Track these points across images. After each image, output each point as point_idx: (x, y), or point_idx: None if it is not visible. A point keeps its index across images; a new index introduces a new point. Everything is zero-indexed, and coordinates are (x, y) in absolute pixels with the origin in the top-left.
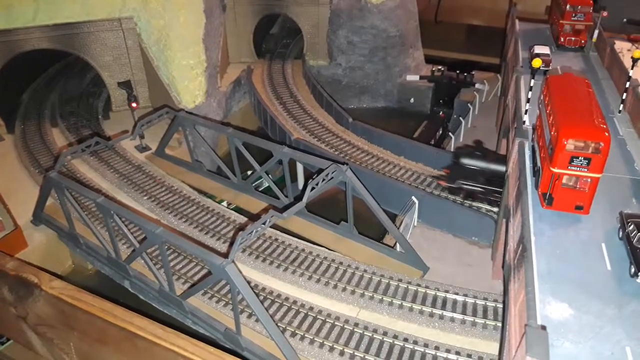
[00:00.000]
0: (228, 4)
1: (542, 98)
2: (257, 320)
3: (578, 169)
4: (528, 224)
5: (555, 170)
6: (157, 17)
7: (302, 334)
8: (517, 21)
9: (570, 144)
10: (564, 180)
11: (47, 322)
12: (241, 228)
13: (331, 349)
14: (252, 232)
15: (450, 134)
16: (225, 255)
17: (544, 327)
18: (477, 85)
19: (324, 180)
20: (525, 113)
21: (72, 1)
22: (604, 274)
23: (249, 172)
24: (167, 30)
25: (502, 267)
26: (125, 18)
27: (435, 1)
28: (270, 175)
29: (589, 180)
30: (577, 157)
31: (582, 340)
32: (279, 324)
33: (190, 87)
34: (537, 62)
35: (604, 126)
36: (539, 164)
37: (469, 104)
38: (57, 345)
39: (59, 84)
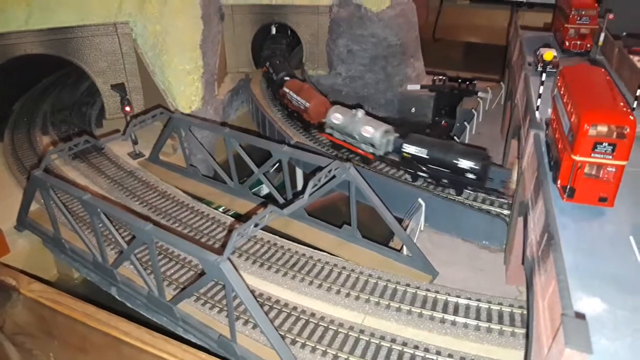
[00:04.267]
0: (226, 12)
1: (556, 91)
2: (254, 327)
3: (602, 156)
4: (552, 211)
5: (577, 158)
6: (153, 22)
7: (303, 341)
8: (519, 28)
9: (592, 129)
10: (586, 170)
11: (26, 330)
12: None
13: (335, 357)
14: (250, 226)
15: (455, 137)
16: (220, 253)
17: (582, 315)
18: (480, 94)
19: (326, 177)
20: (537, 109)
21: (66, 5)
22: (635, 267)
23: (245, 179)
24: (163, 36)
25: (522, 263)
26: (120, 23)
27: (433, 18)
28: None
29: (613, 169)
30: (601, 143)
31: (619, 336)
32: (278, 331)
33: (186, 93)
34: (549, 55)
35: (628, 110)
36: (556, 156)
37: (473, 110)
38: (36, 357)
39: (52, 94)
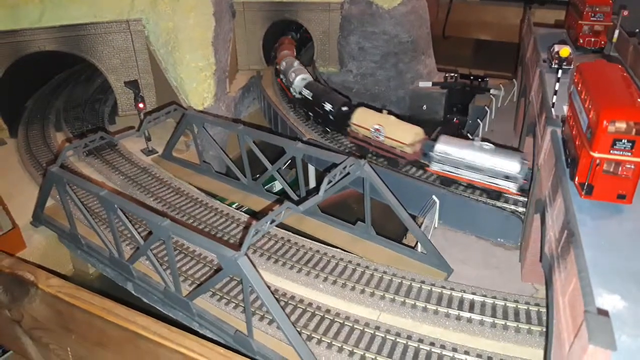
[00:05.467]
0: (237, 10)
1: (572, 88)
2: (270, 323)
3: (621, 152)
4: (572, 208)
5: (596, 154)
6: (165, 19)
7: (319, 337)
8: (533, 25)
9: (612, 126)
10: (604, 167)
11: (44, 325)
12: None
13: (351, 353)
14: (266, 222)
15: (468, 134)
16: (237, 248)
17: (605, 312)
18: (492, 91)
19: (341, 173)
20: (552, 106)
21: (79, 2)
22: None
23: (257, 176)
24: (175, 32)
25: (540, 260)
26: (133, 20)
27: (443, 16)
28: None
29: (632, 166)
30: (620, 140)
31: None
32: (295, 327)
33: (198, 90)
34: (565, 52)
35: None
36: (573, 153)
37: (485, 107)
38: (53, 352)
39: (65, 91)
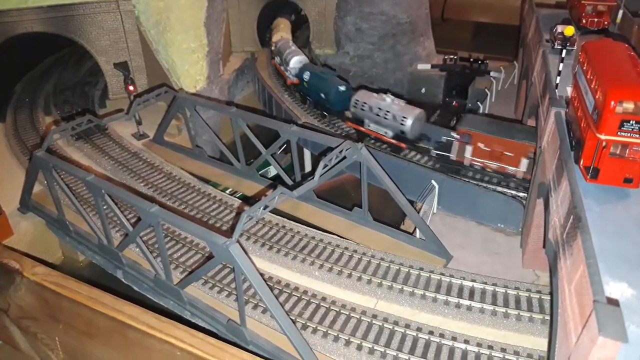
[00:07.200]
0: None
1: (578, 68)
2: (264, 312)
3: (629, 134)
4: (578, 192)
5: (603, 136)
6: None
7: (314, 326)
8: (534, 5)
9: (619, 106)
10: (611, 149)
11: (30, 314)
12: None
13: (347, 342)
14: (259, 208)
15: None
16: (229, 235)
17: (615, 301)
18: (492, 74)
19: (337, 157)
20: (556, 87)
21: None
22: None
23: (252, 161)
24: (167, 12)
25: (544, 246)
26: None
27: None
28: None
29: None
30: (628, 121)
31: None
32: (289, 316)
33: (191, 72)
34: (570, 31)
35: None
36: (578, 135)
37: (486, 89)
38: (41, 341)
39: (54, 74)
